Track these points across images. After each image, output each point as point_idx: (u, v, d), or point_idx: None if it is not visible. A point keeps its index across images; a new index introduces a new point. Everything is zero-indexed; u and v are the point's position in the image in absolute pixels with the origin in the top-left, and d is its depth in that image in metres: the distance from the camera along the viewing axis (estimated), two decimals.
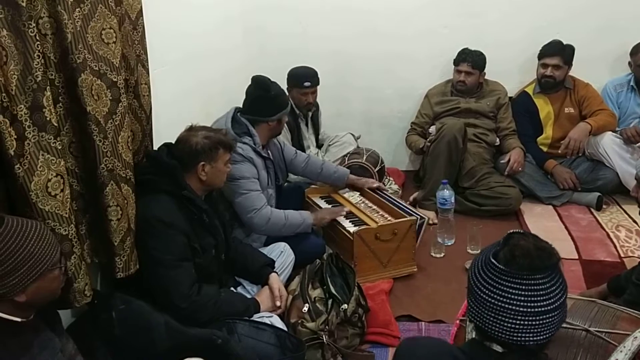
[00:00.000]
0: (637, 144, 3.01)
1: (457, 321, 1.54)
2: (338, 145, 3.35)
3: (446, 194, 2.72)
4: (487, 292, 1.06)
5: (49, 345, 1.20)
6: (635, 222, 2.84)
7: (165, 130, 2.00)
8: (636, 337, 1.25)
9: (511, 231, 1.11)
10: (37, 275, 1.14)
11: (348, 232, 2.34)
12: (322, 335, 1.82)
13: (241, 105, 2.41)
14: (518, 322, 1.02)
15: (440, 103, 3.35)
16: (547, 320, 1.02)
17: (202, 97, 2.66)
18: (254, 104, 2.35)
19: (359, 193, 2.76)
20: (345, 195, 2.74)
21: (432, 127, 3.32)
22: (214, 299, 1.76)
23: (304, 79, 3.01)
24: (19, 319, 1.16)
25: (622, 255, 2.54)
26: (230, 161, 1.94)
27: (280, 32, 3.48)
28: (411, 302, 2.24)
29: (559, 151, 3.12)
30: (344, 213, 2.50)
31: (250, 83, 2.39)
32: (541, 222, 2.91)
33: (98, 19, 1.46)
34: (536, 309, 1.01)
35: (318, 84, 3.07)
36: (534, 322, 1.02)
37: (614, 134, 3.06)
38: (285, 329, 1.83)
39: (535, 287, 1.02)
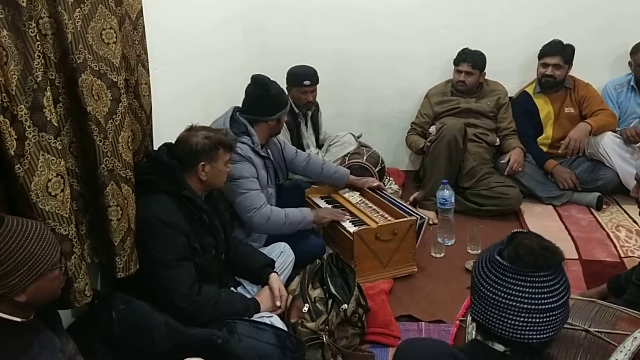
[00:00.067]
0: (637, 144, 3.01)
1: (457, 321, 1.54)
2: (338, 145, 3.35)
3: (446, 194, 2.73)
4: (491, 289, 1.06)
5: (49, 345, 1.21)
6: (635, 222, 2.84)
7: (165, 130, 2.00)
8: (636, 337, 1.25)
9: (515, 230, 1.12)
10: (37, 275, 1.14)
11: (348, 232, 2.34)
12: (322, 335, 1.82)
13: (241, 105, 2.41)
14: (521, 319, 1.03)
15: (441, 103, 3.35)
16: (551, 318, 1.03)
17: (202, 97, 2.66)
18: (253, 103, 2.35)
19: (359, 193, 2.76)
20: (345, 195, 2.74)
21: (432, 127, 3.32)
22: (214, 299, 1.76)
23: (304, 77, 3.01)
24: (19, 319, 1.16)
25: (622, 255, 2.54)
26: (230, 161, 1.94)
27: (280, 32, 3.48)
28: (411, 302, 2.24)
29: (559, 151, 3.12)
30: (346, 219, 2.47)
31: (249, 82, 2.39)
32: (541, 222, 2.91)
33: (98, 19, 1.47)
34: (540, 307, 1.02)
35: (317, 82, 3.07)
36: (537, 320, 1.02)
37: (614, 134, 3.06)
38: (285, 329, 1.83)
39: (539, 285, 1.02)
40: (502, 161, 3.20)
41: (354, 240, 2.27)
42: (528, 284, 1.02)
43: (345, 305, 1.91)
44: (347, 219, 2.47)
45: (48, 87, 1.30)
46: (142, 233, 1.69)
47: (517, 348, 1.06)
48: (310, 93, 3.07)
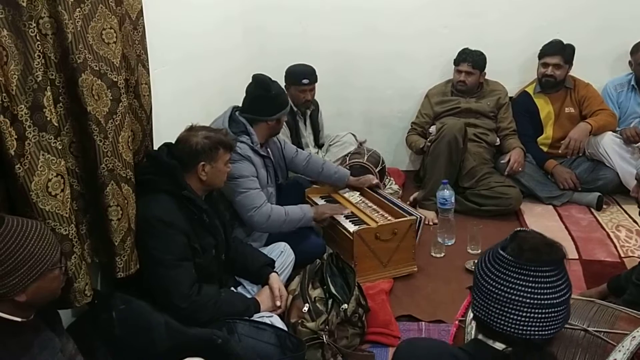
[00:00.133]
0: (637, 144, 3.01)
1: (456, 321, 1.54)
2: (339, 145, 3.35)
3: (446, 194, 2.73)
4: (494, 283, 1.07)
5: (49, 345, 1.21)
6: (635, 222, 2.84)
7: (166, 130, 2.01)
8: (634, 337, 1.25)
9: (518, 229, 1.13)
10: (38, 275, 1.14)
11: (348, 231, 2.34)
12: (322, 335, 1.82)
13: (240, 105, 2.41)
14: (524, 314, 1.03)
15: (441, 103, 3.35)
16: (552, 315, 1.03)
17: (202, 97, 2.67)
18: (253, 103, 2.35)
19: (358, 193, 2.76)
20: (346, 195, 2.74)
21: (432, 127, 3.32)
22: (214, 299, 1.76)
23: (302, 76, 3.02)
24: (19, 319, 1.17)
25: (622, 255, 2.55)
26: (230, 161, 1.95)
27: (280, 32, 3.48)
28: (411, 302, 2.24)
29: (559, 151, 3.12)
30: (345, 213, 2.49)
31: (250, 82, 2.39)
32: (541, 222, 2.91)
33: (98, 19, 1.47)
34: (542, 302, 1.03)
35: (316, 81, 3.07)
36: (539, 315, 1.03)
37: (614, 134, 3.06)
38: (285, 328, 1.83)
39: (542, 280, 1.03)
40: (502, 161, 3.20)
41: (354, 239, 2.27)
42: (531, 279, 1.03)
43: (345, 305, 1.91)
44: (347, 212, 2.48)
45: (48, 87, 1.30)
46: (142, 233, 1.69)
47: (518, 344, 1.06)
48: (309, 92, 3.07)
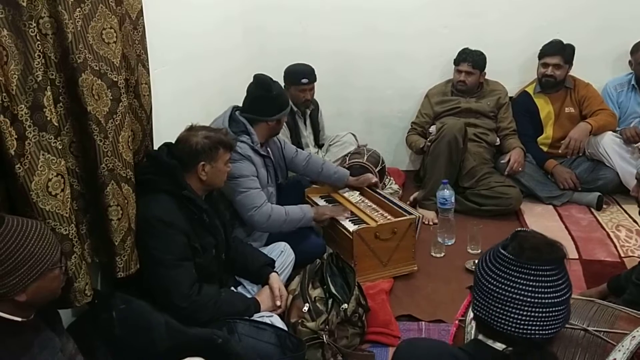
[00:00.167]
0: (637, 144, 3.00)
1: (456, 321, 1.54)
2: (339, 145, 3.36)
3: (446, 193, 2.73)
4: (494, 282, 1.07)
5: (49, 345, 1.21)
6: (635, 222, 2.84)
7: (166, 130, 2.01)
8: (634, 337, 1.25)
9: (518, 229, 1.13)
10: (38, 275, 1.14)
11: (348, 231, 2.34)
12: (322, 335, 1.82)
13: (241, 105, 2.41)
14: (524, 313, 1.03)
15: (441, 103, 3.35)
16: (553, 314, 1.03)
17: (202, 97, 2.67)
18: (254, 103, 2.35)
19: (358, 192, 2.76)
20: (345, 194, 2.74)
21: (432, 126, 3.32)
22: (214, 299, 1.76)
23: (301, 75, 3.02)
24: (19, 319, 1.17)
25: (622, 255, 2.54)
26: (230, 160, 1.95)
27: (280, 32, 3.49)
28: (411, 302, 2.24)
29: (559, 151, 3.12)
30: (346, 216, 2.48)
31: (251, 81, 2.39)
32: (541, 222, 2.91)
33: (98, 18, 1.47)
34: (542, 301, 1.03)
35: (315, 80, 3.07)
36: (540, 314, 1.03)
37: (614, 133, 3.06)
38: (285, 328, 1.83)
39: (543, 279, 1.03)
40: (502, 161, 3.20)
41: (354, 239, 2.27)
42: (532, 277, 1.03)
43: (346, 304, 1.91)
44: (347, 217, 2.47)
45: (48, 87, 1.30)
46: (142, 233, 1.69)
47: (518, 344, 1.06)
48: (308, 91, 3.08)
